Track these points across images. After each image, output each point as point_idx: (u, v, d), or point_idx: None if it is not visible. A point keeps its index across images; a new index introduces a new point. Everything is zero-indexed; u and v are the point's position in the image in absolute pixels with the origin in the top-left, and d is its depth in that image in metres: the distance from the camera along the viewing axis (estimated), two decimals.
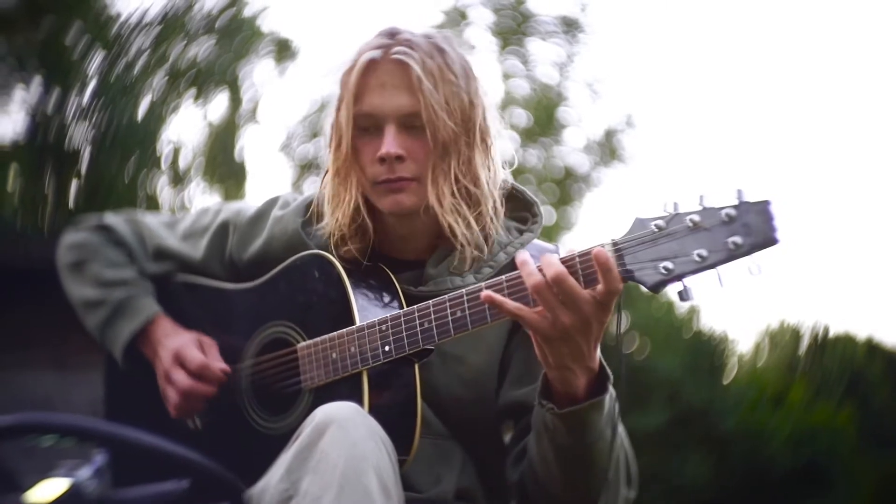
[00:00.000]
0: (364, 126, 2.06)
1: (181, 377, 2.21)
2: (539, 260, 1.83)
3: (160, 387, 2.28)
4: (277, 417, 2.14)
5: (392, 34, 2.09)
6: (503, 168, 2.16)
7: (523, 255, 1.79)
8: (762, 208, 1.58)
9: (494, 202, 2.11)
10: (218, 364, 2.22)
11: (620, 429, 1.96)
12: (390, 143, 2.03)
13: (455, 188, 2.06)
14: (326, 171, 2.16)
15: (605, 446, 1.90)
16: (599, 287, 1.72)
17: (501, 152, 2.16)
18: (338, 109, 2.10)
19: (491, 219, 2.10)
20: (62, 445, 1.47)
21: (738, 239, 1.59)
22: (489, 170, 2.10)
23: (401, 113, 2.04)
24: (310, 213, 2.22)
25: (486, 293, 1.81)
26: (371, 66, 2.05)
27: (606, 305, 1.74)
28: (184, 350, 2.23)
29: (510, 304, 1.79)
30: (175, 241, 2.41)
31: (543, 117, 15.39)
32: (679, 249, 1.65)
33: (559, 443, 1.90)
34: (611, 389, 1.86)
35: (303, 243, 2.18)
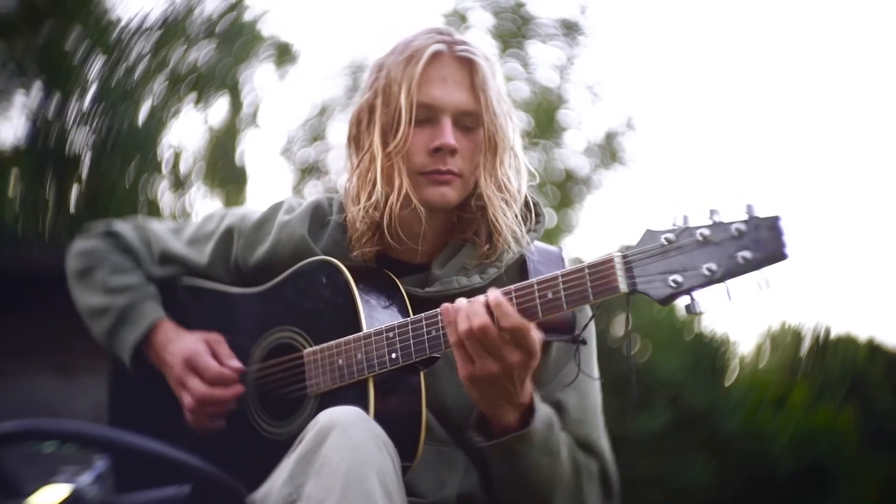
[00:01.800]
0: (420, 117, 2.07)
1: (197, 385, 2.21)
2: (542, 264, 1.86)
3: (176, 394, 2.28)
4: (282, 422, 2.15)
5: (448, 33, 2.12)
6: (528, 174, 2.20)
7: (444, 306, 1.88)
8: (772, 224, 1.59)
9: (522, 205, 2.16)
10: (232, 364, 2.22)
11: (565, 453, 2.03)
12: (449, 134, 2.05)
13: (497, 188, 2.09)
14: (362, 156, 2.13)
15: (541, 474, 1.98)
16: (507, 326, 1.81)
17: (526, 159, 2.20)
18: (388, 95, 2.08)
19: (520, 220, 2.14)
20: (64, 451, 1.47)
21: (747, 254, 1.60)
22: (519, 173, 2.15)
23: (460, 109, 2.07)
24: (341, 214, 2.21)
25: (444, 306, 1.89)
26: (436, 57, 2.07)
27: (525, 347, 1.82)
28: (197, 358, 2.23)
29: (455, 332, 1.85)
30: (181, 246, 2.42)
31: (544, 120, 15.36)
32: (688, 263, 1.66)
33: (496, 471, 2.02)
34: (540, 421, 1.94)
35: (309, 249, 2.19)
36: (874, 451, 14.52)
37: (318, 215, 2.26)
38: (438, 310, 1.94)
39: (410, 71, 2.06)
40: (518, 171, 2.15)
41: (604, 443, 2.16)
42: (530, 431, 1.92)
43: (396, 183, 2.08)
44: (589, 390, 2.18)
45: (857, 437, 14.47)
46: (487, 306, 1.83)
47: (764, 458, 13.30)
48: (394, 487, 1.76)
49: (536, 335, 1.84)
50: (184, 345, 2.28)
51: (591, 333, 2.18)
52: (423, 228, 2.14)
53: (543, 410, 1.98)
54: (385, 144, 2.08)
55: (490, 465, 2.03)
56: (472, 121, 2.08)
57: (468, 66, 2.08)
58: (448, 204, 2.10)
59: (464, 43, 2.10)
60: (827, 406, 14.77)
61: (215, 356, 2.25)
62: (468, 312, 1.83)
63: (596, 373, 2.19)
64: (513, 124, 2.13)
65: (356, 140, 2.16)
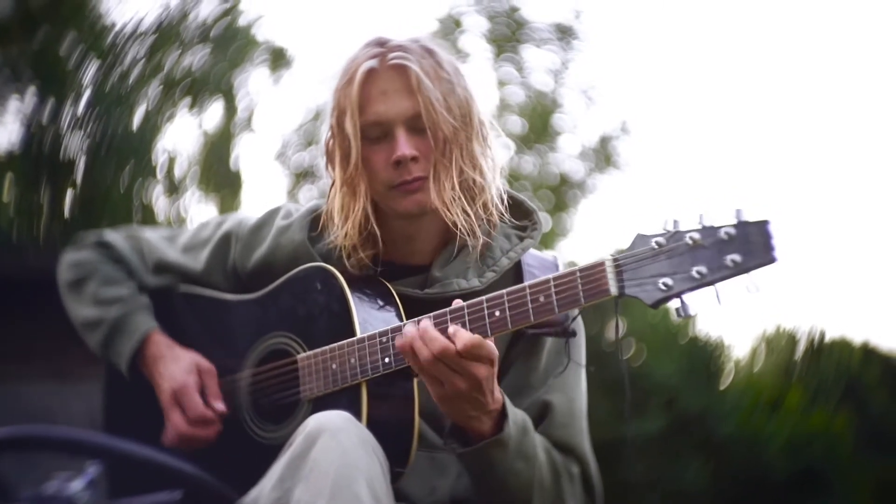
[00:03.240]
0: (372, 135, 2.09)
1: (179, 421, 2.23)
2: (537, 270, 1.86)
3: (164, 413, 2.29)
4: (276, 427, 2.16)
5: (381, 43, 2.13)
6: (501, 168, 2.20)
7: (397, 339, 1.91)
8: (761, 228, 1.61)
9: (498, 189, 2.16)
10: (217, 406, 2.24)
11: (543, 457, 2.04)
12: (404, 145, 2.07)
13: (458, 182, 2.10)
14: (332, 184, 2.18)
15: (518, 479, 1.99)
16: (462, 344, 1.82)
17: (497, 141, 2.21)
18: (337, 122, 2.12)
19: (496, 205, 2.15)
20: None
21: (736, 257, 1.61)
22: (489, 159, 2.15)
23: (406, 116, 2.08)
24: (321, 225, 2.23)
25: (398, 342, 1.91)
26: (370, 75, 2.09)
27: (487, 359, 1.85)
28: (184, 393, 2.24)
29: (419, 362, 1.86)
30: (175, 254, 2.42)
31: (538, 124, 15.39)
32: (678, 267, 1.68)
33: (473, 479, 2.03)
34: (512, 427, 1.95)
35: (308, 254, 2.20)
36: (869, 454, 14.53)
37: (316, 220, 2.27)
38: (430, 315, 1.94)
39: (350, 94, 2.09)
40: (487, 156, 2.15)
41: (587, 447, 2.17)
42: (503, 437, 1.93)
43: (355, 207, 2.12)
44: (576, 394, 2.19)
45: (851, 441, 14.48)
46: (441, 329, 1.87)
47: (759, 462, 13.32)
48: (382, 492, 1.76)
49: (490, 343, 1.86)
50: (175, 372, 2.28)
51: (578, 325, 2.19)
52: (411, 231, 2.17)
53: (517, 415, 1.99)
54: (344, 170, 2.12)
55: (468, 473, 2.04)
56: (423, 122, 2.09)
57: (403, 72, 2.08)
58: (426, 207, 2.11)
59: (398, 49, 2.10)
60: (822, 409, 14.78)
61: (203, 392, 2.26)
62: (425, 339, 1.85)
63: (584, 361, 2.21)
64: (474, 115, 2.13)
65: (329, 168, 2.21)
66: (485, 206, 2.14)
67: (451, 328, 1.86)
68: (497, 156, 2.18)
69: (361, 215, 2.12)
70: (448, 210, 2.08)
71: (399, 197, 2.10)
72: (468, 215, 2.09)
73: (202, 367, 2.29)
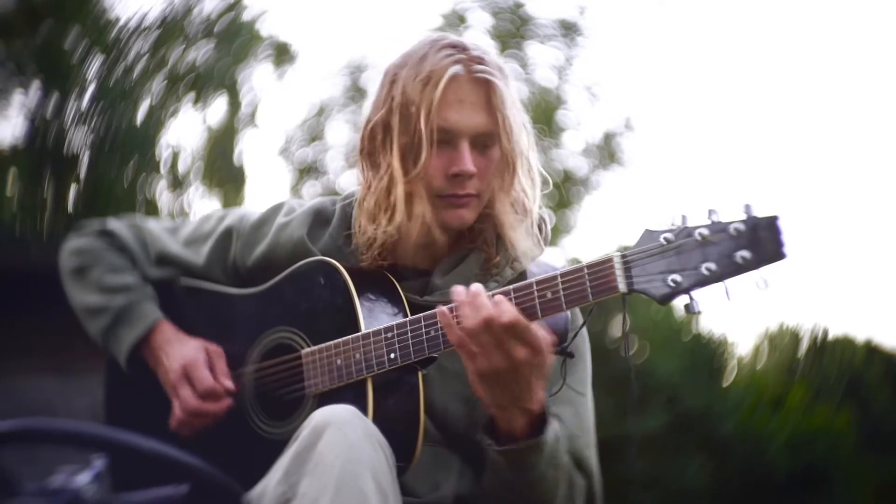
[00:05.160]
0: (437, 139, 2.04)
1: (189, 396, 2.22)
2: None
3: (169, 396, 2.28)
4: (280, 423, 2.15)
5: (463, 48, 2.08)
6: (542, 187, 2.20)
7: (455, 289, 1.87)
8: (770, 224, 1.60)
9: (539, 217, 2.17)
10: (226, 383, 2.23)
11: (566, 466, 2.02)
12: (468, 160, 2.04)
13: (512, 206, 2.10)
14: (380, 176, 2.11)
15: (546, 485, 1.97)
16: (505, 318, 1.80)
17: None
18: (406, 117, 2.05)
19: (533, 232, 2.16)
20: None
21: (746, 253, 1.61)
22: (534, 182, 2.15)
23: (478, 132, 2.05)
24: (353, 215, 2.20)
25: (440, 310, 1.87)
26: (453, 80, 2.04)
27: (528, 342, 1.81)
28: (193, 368, 2.23)
29: (455, 332, 1.84)
30: (177, 246, 2.41)
31: (542, 120, 15.33)
32: (687, 263, 1.67)
33: (502, 478, 1.98)
34: (551, 433, 1.92)
35: (308, 251, 2.19)
36: (871, 452, 14.53)
37: (319, 218, 2.26)
38: (436, 310, 1.94)
39: (429, 94, 2.02)
40: (533, 180, 2.15)
41: (594, 461, 2.15)
42: (541, 441, 1.90)
43: (418, 210, 2.07)
44: (583, 408, 2.18)
45: (854, 439, 14.48)
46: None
47: (761, 460, 13.32)
48: (388, 486, 1.75)
49: (541, 332, 1.82)
50: (184, 350, 2.28)
51: (585, 350, 2.20)
52: (429, 240, 2.15)
53: (553, 422, 1.96)
54: (406, 169, 2.05)
55: (492, 469, 2.00)
56: (489, 139, 2.07)
57: (485, 85, 2.05)
58: (466, 224, 2.11)
59: (480, 61, 2.06)
60: (824, 407, 14.78)
61: (212, 369, 2.25)
62: (475, 304, 1.82)
63: (588, 391, 2.19)
64: (527, 133, 2.12)
65: (371, 156, 2.13)
66: (528, 227, 2.14)
67: (498, 299, 1.83)
68: (539, 178, 2.17)
69: (420, 221, 2.08)
70: (509, 230, 2.10)
71: (444, 208, 2.08)
72: (532, 231, 2.12)
73: (211, 348, 2.30)
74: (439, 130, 2.03)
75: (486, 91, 2.05)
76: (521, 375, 1.83)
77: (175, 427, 2.25)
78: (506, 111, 2.04)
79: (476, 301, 1.82)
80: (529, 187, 2.14)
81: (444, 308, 1.87)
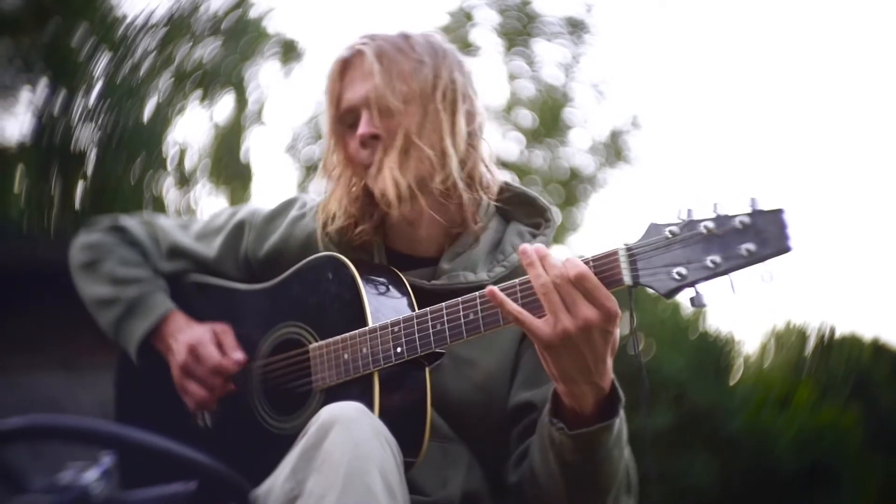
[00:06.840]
0: (348, 122, 2.16)
1: (198, 370, 2.23)
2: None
3: (175, 380, 2.30)
4: (288, 417, 2.15)
5: (361, 37, 2.17)
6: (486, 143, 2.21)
7: (525, 247, 1.82)
8: (775, 217, 1.59)
9: (464, 161, 2.14)
10: (235, 356, 2.25)
11: (626, 449, 1.98)
12: (363, 125, 2.11)
13: (403, 157, 2.09)
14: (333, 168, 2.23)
15: (611, 466, 1.91)
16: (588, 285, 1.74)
17: (481, 117, 2.20)
18: (326, 112, 2.20)
19: (484, 186, 2.18)
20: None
21: (751, 246, 1.60)
22: (454, 134, 2.12)
23: (367, 99, 2.11)
24: (325, 217, 2.25)
25: (490, 288, 1.82)
26: (341, 66, 2.16)
27: (599, 302, 1.74)
28: (200, 345, 2.25)
29: (511, 305, 1.80)
30: (189, 240, 2.44)
31: (549, 118, 15.37)
32: (692, 256, 1.66)
33: (566, 459, 1.90)
34: (620, 412, 1.86)
35: (320, 243, 2.21)
36: (878, 450, 14.53)
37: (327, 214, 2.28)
38: (443, 304, 1.94)
39: (327, 87, 2.17)
40: (451, 132, 2.12)
41: None
42: (613, 423, 1.84)
43: (349, 186, 2.19)
44: None
45: (860, 437, 14.47)
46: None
47: (768, 457, 13.31)
48: (395, 483, 1.75)
49: (610, 295, 1.76)
50: (192, 333, 2.30)
51: None
52: (412, 217, 2.17)
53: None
54: (329, 161, 2.22)
55: (554, 451, 1.91)
56: (385, 101, 2.11)
57: (360, 58, 2.13)
58: (367, 164, 2.14)
59: (364, 37, 2.16)
60: (831, 405, 14.77)
61: (220, 346, 2.27)
62: (545, 264, 1.77)
63: None
64: (440, 88, 2.12)
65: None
66: (446, 178, 2.11)
67: (567, 258, 1.78)
68: (462, 130, 2.14)
69: (352, 193, 2.18)
70: (376, 182, 2.11)
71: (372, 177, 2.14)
72: (398, 183, 2.09)
73: (217, 328, 2.32)
74: (346, 114, 2.15)
75: (362, 62, 2.13)
76: (593, 340, 1.75)
77: (192, 405, 2.28)
78: (374, 72, 2.09)
79: (547, 260, 1.77)
80: (447, 133, 2.11)
81: (494, 287, 1.83)
